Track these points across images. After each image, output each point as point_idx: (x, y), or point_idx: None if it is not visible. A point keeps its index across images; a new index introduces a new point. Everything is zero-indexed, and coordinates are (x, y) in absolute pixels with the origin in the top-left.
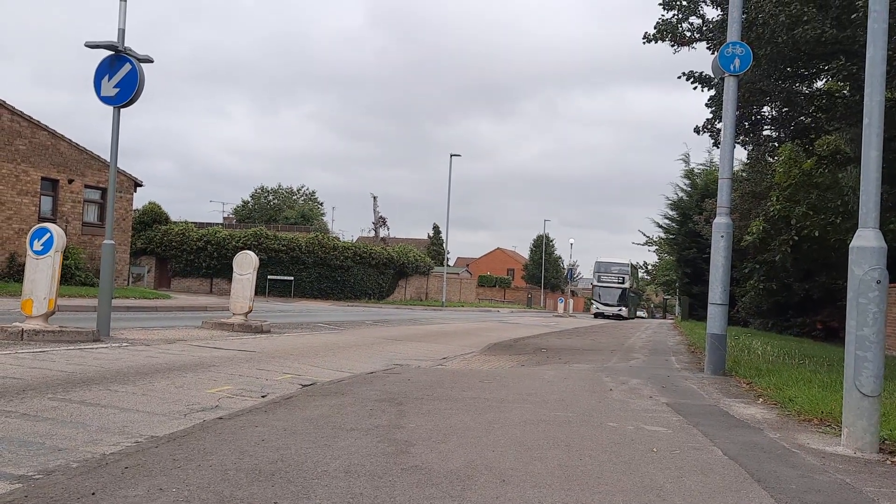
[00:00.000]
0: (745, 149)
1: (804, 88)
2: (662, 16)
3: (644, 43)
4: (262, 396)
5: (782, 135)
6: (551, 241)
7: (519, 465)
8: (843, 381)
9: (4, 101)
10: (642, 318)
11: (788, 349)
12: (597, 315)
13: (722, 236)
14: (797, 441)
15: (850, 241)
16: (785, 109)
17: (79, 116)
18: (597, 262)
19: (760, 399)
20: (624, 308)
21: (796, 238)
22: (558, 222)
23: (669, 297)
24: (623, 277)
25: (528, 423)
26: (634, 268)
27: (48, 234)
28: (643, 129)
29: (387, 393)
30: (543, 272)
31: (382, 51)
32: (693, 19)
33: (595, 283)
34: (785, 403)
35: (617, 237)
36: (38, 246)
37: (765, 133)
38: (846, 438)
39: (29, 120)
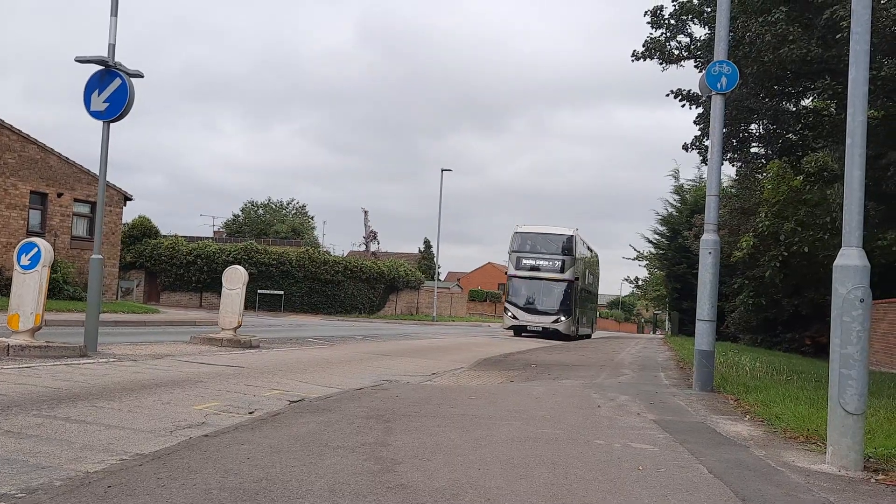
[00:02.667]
0: (733, 166)
1: (791, 106)
2: (651, 34)
3: (633, 60)
4: (250, 413)
5: (770, 152)
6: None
7: (505, 483)
8: (828, 399)
9: None
10: (587, 336)
11: (777, 365)
12: (514, 331)
13: (709, 253)
14: (783, 459)
15: None
16: (772, 127)
17: (69, 131)
18: (515, 234)
19: (747, 416)
20: (564, 318)
21: (785, 254)
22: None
23: (659, 312)
24: (562, 262)
25: (516, 440)
26: (587, 248)
27: (35, 249)
28: (630, 146)
29: (374, 410)
30: None
31: (372, 67)
32: (681, 38)
33: (512, 271)
34: (772, 420)
35: (606, 251)
36: (25, 260)
37: (753, 150)
38: (831, 456)
39: (19, 134)
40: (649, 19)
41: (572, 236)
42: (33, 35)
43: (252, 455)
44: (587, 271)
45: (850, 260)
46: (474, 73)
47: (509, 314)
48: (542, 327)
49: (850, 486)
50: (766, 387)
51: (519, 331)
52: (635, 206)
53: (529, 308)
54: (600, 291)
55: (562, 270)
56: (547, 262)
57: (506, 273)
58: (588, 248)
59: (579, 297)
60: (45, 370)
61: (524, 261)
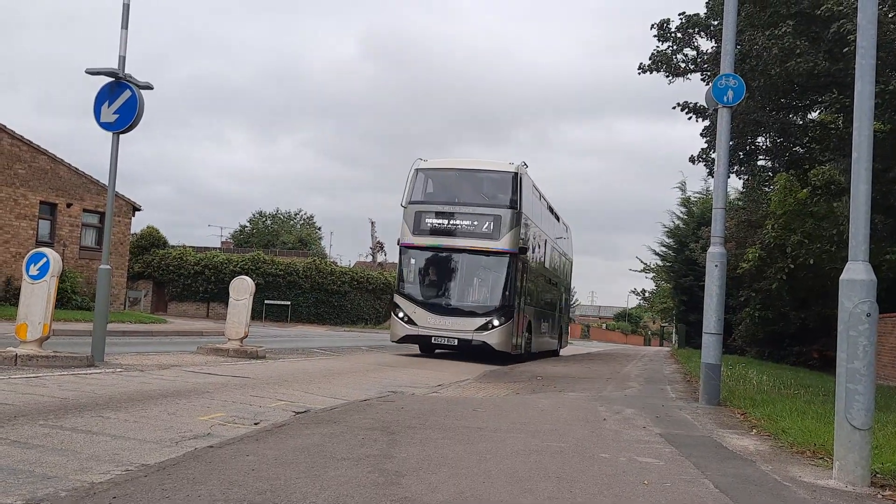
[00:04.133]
0: (739, 178)
1: (798, 119)
2: (657, 47)
3: (639, 73)
4: (255, 424)
5: (777, 165)
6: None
7: (509, 497)
8: (835, 413)
9: (5, 126)
10: (552, 352)
11: (784, 379)
12: (421, 347)
13: (716, 266)
14: (789, 474)
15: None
16: (779, 140)
17: (79, 142)
18: (416, 174)
19: (754, 430)
20: (498, 321)
21: (791, 266)
22: None
23: (666, 324)
24: (496, 220)
25: (521, 453)
26: (547, 206)
27: (44, 259)
28: (635, 158)
29: (379, 421)
30: None
31: (376, 80)
32: (687, 51)
33: (407, 238)
34: (778, 435)
35: (611, 263)
36: (34, 270)
37: (759, 163)
38: (838, 472)
39: (29, 144)
40: (656, 32)
41: (516, 175)
42: (44, 48)
43: (256, 467)
44: (548, 245)
45: (857, 274)
46: (479, 85)
47: (401, 315)
48: (459, 339)
49: (857, 501)
50: (773, 401)
51: (428, 346)
52: (641, 219)
53: (435, 305)
54: (605, 303)
55: (495, 235)
56: (469, 222)
57: (398, 242)
58: (549, 207)
59: (530, 286)
60: (52, 380)
61: (428, 220)
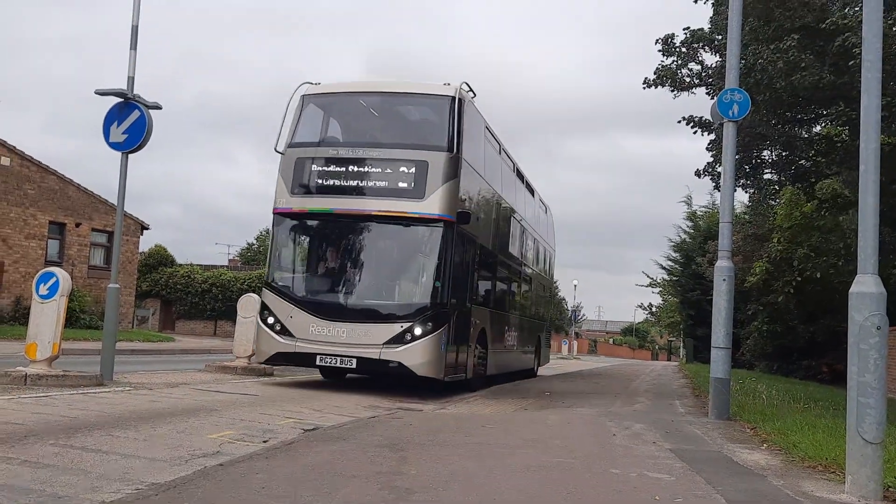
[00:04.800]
0: (746, 192)
1: (803, 133)
2: (662, 62)
3: (644, 88)
4: (264, 442)
5: (783, 178)
6: (554, 281)
7: None
8: (846, 427)
9: (14, 147)
10: (526, 372)
11: (794, 393)
12: (323, 373)
13: (724, 280)
14: (801, 489)
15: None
16: (785, 153)
17: (88, 162)
18: (303, 101)
19: (765, 444)
20: (422, 330)
21: (799, 279)
22: (559, 263)
23: (674, 339)
24: (420, 168)
25: (531, 469)
26: (505, 158)
27: (54, 279)
28: (639, 173)
29: (388, 438)
30: None
31: None
32: (692, 65)
33: (285, 202)
34: (789, 449)
35: (617, 278)
36: (43, 290)
37: (765, 176)
38: (850, 486)
39: (38, 165)
40: (661, 47)
41: (454, 102)
42: (54, 69)
43: (267, 485)
44: (515, 222)
45: (866, 287)
46: (483, 101)
47: (270, 322)
48: (360, 358)
49: None
50: (784, 415)
51: (328, 368)
52: (648, 233)
53: (324, 305)
54: (612, 317)
55: (418, 192)
56: (379, 172)
57: (274, 210)
58: (517, 171)
59: (485, 278)
60: (61, 399)
61: (316, 171)
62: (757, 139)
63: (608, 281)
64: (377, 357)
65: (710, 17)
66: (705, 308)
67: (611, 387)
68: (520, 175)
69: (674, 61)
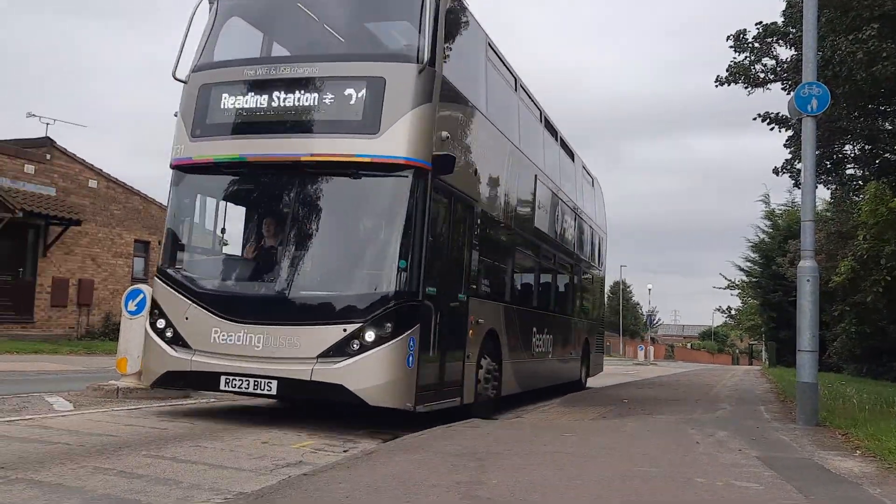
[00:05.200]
0: (827, 188)
1: (887, 125)
2: (734, 58)
3: (716, 86)
4: (344, 451)
5: (867, 173)
6: (628, 287)
7: None
8: None
9: (101, 170)
10: (577, 383)
11: (886, 396)
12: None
13: (808, 280)
14: None
15: None
16: (868, 147)
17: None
18: (214, 6)
19: (858, 451)
20: (377, 332)
21: (888, 278)
22: (633, 268)
23: (755, 342)
24: (376, 95)
25: (612, 478)
26: (504, 70)
27: (142, 296)
28: (712, 174)
29: (466, 447)
30: (622, 319)
31: None
32: (766, 60)
33: (185, 152)
34: (885, 456)
35: (690, 281)
36: (132, 306)
37: (848, 172)
38: None
39: (123, 186)
40: (732, 43)
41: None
42: (138, 97)
43: (351, 494)
44: (540, 183)
45: None
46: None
47: (160, 326)
48: (282, 379)
49: None
50: (876, 420)
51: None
52: (721, 235)
53: (235, 299)
54: (689, 321)
55: (370, 124)
56: (315, 95)
57: (171, 164)
58: (544, 119)
59: (488, 254)
60: (151, 411)
61: (229, 101)
62: (838, 133)
63: (684, 284)
64: (307, 378)
65: (783, 11)
66: (787, 310)
67: (690, 393)
68: (550, 128)
69: (746, 57)
